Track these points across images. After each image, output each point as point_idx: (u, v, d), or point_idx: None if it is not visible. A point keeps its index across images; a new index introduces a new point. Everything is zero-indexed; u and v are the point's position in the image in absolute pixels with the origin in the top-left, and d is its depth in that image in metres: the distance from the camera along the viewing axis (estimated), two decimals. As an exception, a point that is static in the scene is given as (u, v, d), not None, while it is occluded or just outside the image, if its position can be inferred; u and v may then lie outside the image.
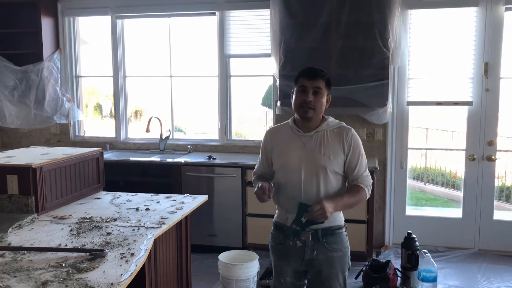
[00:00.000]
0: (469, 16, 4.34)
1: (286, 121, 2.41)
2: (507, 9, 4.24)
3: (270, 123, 5.18)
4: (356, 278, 3.77)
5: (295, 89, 2.29)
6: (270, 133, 2.45)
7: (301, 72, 2.28)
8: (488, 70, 4.32)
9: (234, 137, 5.15)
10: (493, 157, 4.45)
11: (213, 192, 4.41)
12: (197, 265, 4.14)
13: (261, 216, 4.27)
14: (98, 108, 8.11)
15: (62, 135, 5.41)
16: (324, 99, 2.25)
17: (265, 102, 6.38)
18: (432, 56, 4.47)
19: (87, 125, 5.62)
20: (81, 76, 5.39)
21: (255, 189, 2.29)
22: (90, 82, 5.94)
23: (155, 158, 4.74)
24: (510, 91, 4.52)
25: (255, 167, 2.51)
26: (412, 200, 6.89)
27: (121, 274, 1.84)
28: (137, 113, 8.05)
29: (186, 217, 3.04)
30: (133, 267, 1.92)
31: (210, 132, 5.41)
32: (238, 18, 4.82)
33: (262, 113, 8.33)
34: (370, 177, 2.35)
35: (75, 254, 2.05)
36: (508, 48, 4.32)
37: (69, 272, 1.85)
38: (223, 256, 3.52)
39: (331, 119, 2.35)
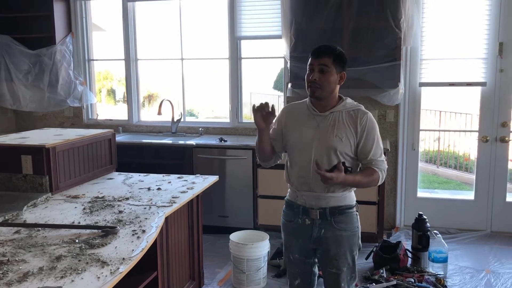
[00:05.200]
0: (484, -5, 4.26)
1: (305, 99, 2.39)
2: (523, -13, 4.16)
3: (282, 106, 5.17)
4: (366, 258, 3.79)
5: None
6: (287, 109, 2.44)
7: (311, 52, 2.28)
8: (503, 50, 4.25)
9: (245, 120, 5.16)
10: (506, 138, 4.40)
11: (224, 174, 4.45)
12: (209, 246, 4.20)
13: (272, 197, 4.30)
14: (112, 93, 8.18)
15: (76, 118, 5.48)
16: (333, 77, 2.21)
17: (277, 86, 6.37)
18: (445, 37, 4.40)
19: (101, 110, 5.67)
20: (93, 60, 5.43)
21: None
22: (103, 68, 5.97)
23: (167, 141, 4.78)
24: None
25: None
26: (424, 183, 6.86)
27: (132, 250, 1.89)
28: (150, 98, 8.11)
29: (197, 197, 3.09)
30: (144, 243, 1.97)
31: (222, 116, 5.41)
32: (249, -1, 4.79)
33: (274, 98, 8.33)
34: (386, 162, 2.31)
35: (88, 231, 2.10)
36: (523, 27, 4.24)
37: (82, 247, 1.90)
38: (234, 236, 3.56)
39: (349, 100, 2.31)
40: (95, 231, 2.09)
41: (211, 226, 4.44)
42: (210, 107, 8.21)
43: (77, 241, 1.97)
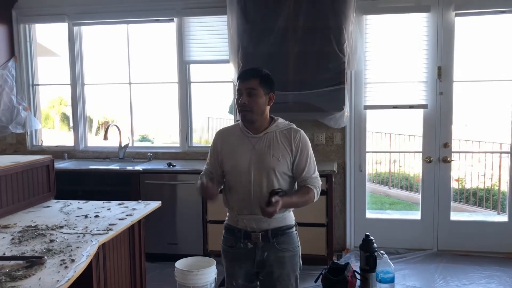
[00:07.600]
0: (422, 22, 4.44)
1: (236, 122, 2.41)
2: (457, 15, 4.36)
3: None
4: (315, 281, 3.77)
5: None
6: (219, 134, 2.43)
7: (237, 76, 2.30)
8: (442, 74, 4.42)
9: (196, 144, 5.12)
10: (448, 158, 4.55)
11: (174, 200, 4.36)
12: (156, 274, 4.07)
13: (221, 222, 4.18)
14: (66, 119, 7.96)
15: (19, 145, 5.27)
16: (261, 99, 2.23)
17: (232, 110, 6.38)
18: (388, 61, 4.55)
19: (54, 136, 5.49)
20: (38, 85, 5.27)
21: (198, 182, 2.25)
22: (56, 93, 5.82)
23: (113, 167, 4.66)
24: (463, 94, 4.65)
25: (203, 169, 2.47)
26: (376, 204, 6.99)
27: (58, 281, 1.79)
28: (106, 124, 7.93)
29: (139, 224, 3.00)
30: (71, 273, 1.87)
31: (177, 140, 5.34)
32: (196, 24, 4.81)
33: (230, 122, 8.35)
34: (319, 178, 2.35)
35: (12, 262, 1.98)
36: (459, 52, 4.44)
37: (1, 280, 1.79)
38: (180, 263, 3.47)
39: (280, 120, 2.35)
40: (20, 262, 1.98)
41: (160, 254, 4.32)
42: (166, 131, 8.13)
43: (-2, 273, 1.86)
